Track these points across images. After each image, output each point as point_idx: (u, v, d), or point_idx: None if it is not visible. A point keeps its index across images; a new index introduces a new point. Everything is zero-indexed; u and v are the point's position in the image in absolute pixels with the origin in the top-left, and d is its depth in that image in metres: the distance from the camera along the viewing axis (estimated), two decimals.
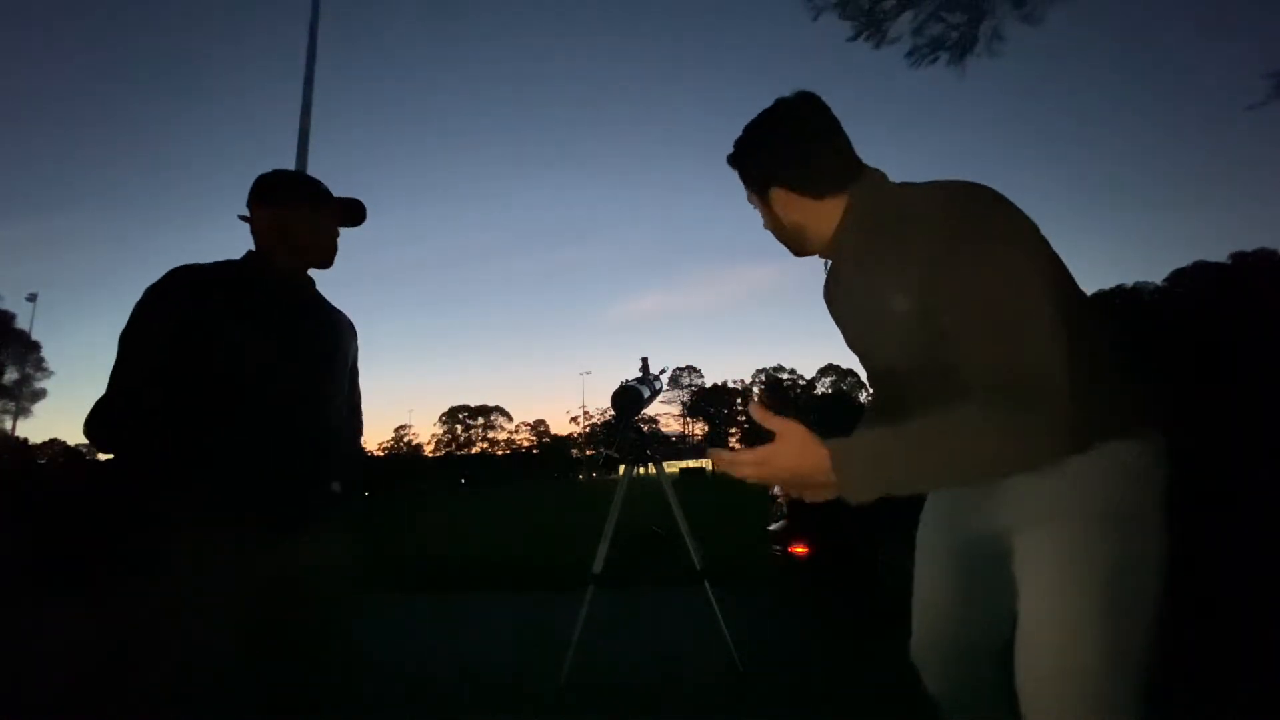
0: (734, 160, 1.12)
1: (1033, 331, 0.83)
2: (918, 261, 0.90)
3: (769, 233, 1.15)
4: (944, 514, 1.15)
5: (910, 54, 5.36)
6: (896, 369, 1.04)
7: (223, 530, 1.19)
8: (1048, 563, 0.91)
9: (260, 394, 1.26)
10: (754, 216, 1.18)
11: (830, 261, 1.14)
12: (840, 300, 1.14)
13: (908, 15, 5.26)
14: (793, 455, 0.83)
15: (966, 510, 1.09)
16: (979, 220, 0.88)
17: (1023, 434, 0.81)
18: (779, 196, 1.07)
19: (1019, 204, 0.93)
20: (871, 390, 1.27)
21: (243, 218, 1.42)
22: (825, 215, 1.05)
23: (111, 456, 1.24)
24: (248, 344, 1.26)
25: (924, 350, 0.94)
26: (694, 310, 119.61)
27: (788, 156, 1.05)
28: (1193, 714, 2.13)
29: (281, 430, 1.28)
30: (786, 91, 1.06)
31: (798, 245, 1.11)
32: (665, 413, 77.68)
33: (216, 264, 1.35)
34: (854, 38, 5.36)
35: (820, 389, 69.84)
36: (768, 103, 1.08)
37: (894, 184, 1.04)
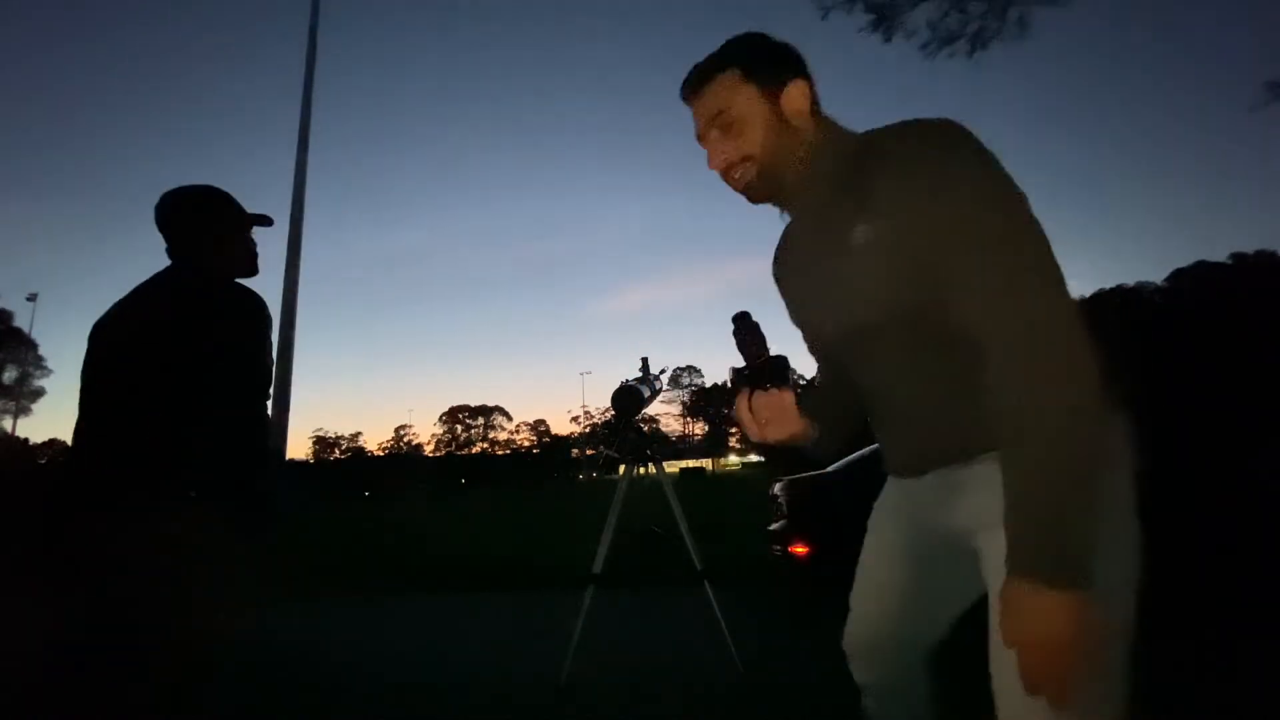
0: (742, 47, 0.98)
1: (1045, 263, 0.79)
2: (906, 198, 0.83)
3: (720, 172, 1.00)
4: (900, 505, 1.10)
5: (925, 45, 5.34)
6: (866, 328, 0.94)
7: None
8: None
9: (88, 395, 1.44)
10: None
11: (787, 225, 1.08)
12: (799, 261, 1.06)
13: (923, 7, 5.24)
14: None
15: (924, 503, 1.02)
16: (970, 154, 0.83)
17: (1068, 388, 0.74)
18: (797, 92, 0.96)
19: None
20: (818, 367, 1.19)
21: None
22: (808, 135, 0.96)
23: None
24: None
25: (906, 299, 0.87)
26: (693, 304, 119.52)
27: (797, 55, 0.99)
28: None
29: (91, 431, 1.41)
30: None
31: (777, 168, 0.96)
32: (665, 413, 77.70)
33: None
34: (866, 28, 5.34)
35: None
36: None
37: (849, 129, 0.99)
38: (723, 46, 0.99)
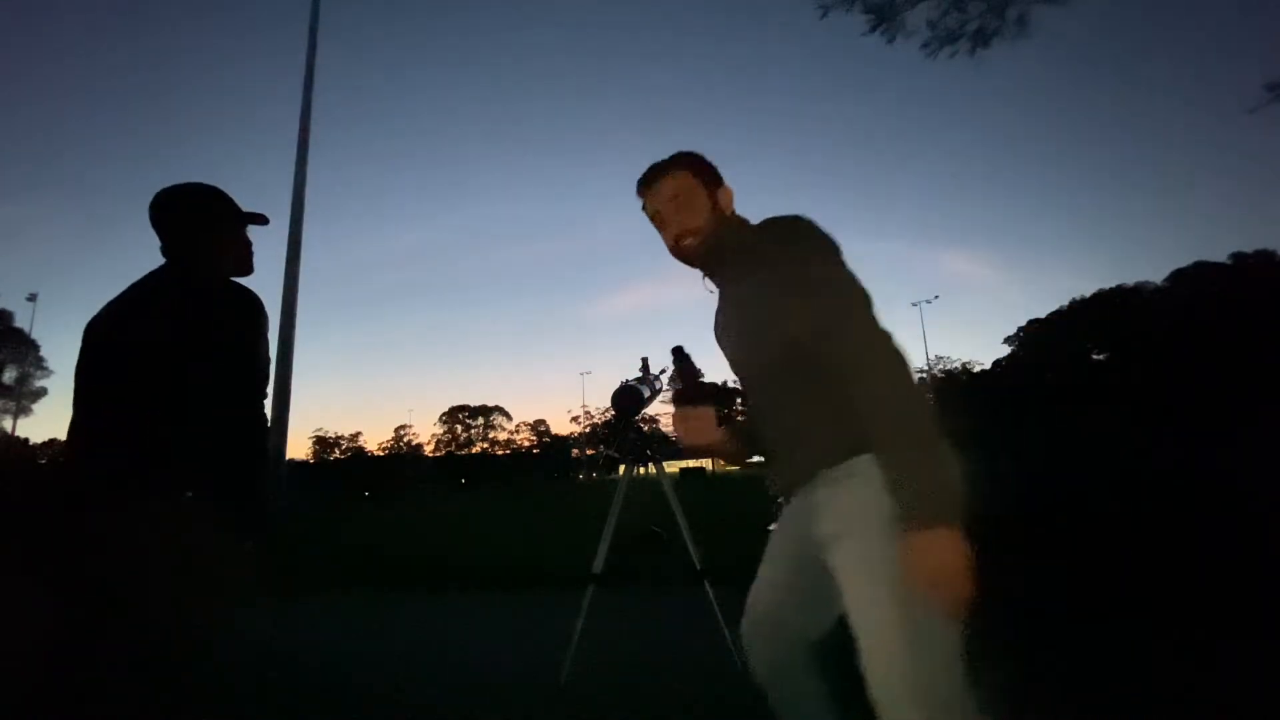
0: (691, 157, 1.34)
1: (875, 311, 1.08)
2: (792, 270, 1.12)
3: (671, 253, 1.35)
4: (788, 517, 1.30)
5: (926, 44, 5.34)
6: (757, 370, 1.25)
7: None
8: (859, 574, 1.06)
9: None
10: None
11: (718, 285, 1.35)
12: (725, 321, 1.34)
13: (922, 6, 5.24)
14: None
15: (799, 519, 1.22)
16: (820, 238, 1.15)
17: (901, 393, 1.01)
18: (726, 193, 1.33)
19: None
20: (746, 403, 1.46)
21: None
22: (732, 225, 1.30)
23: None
24: None
25: (777, 345, 1.16)
26: (694, 304, 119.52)
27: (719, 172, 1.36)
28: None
29: (86, 431, 1.41)
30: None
31: (712, 243, 1.29)
32: (665, 413, 77.68)
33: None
34: (871, 31, 5.34)
35: None
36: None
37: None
38: (675, 155, 1.35)
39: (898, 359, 1.02)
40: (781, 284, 1.13)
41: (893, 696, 1.00)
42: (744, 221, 1.31)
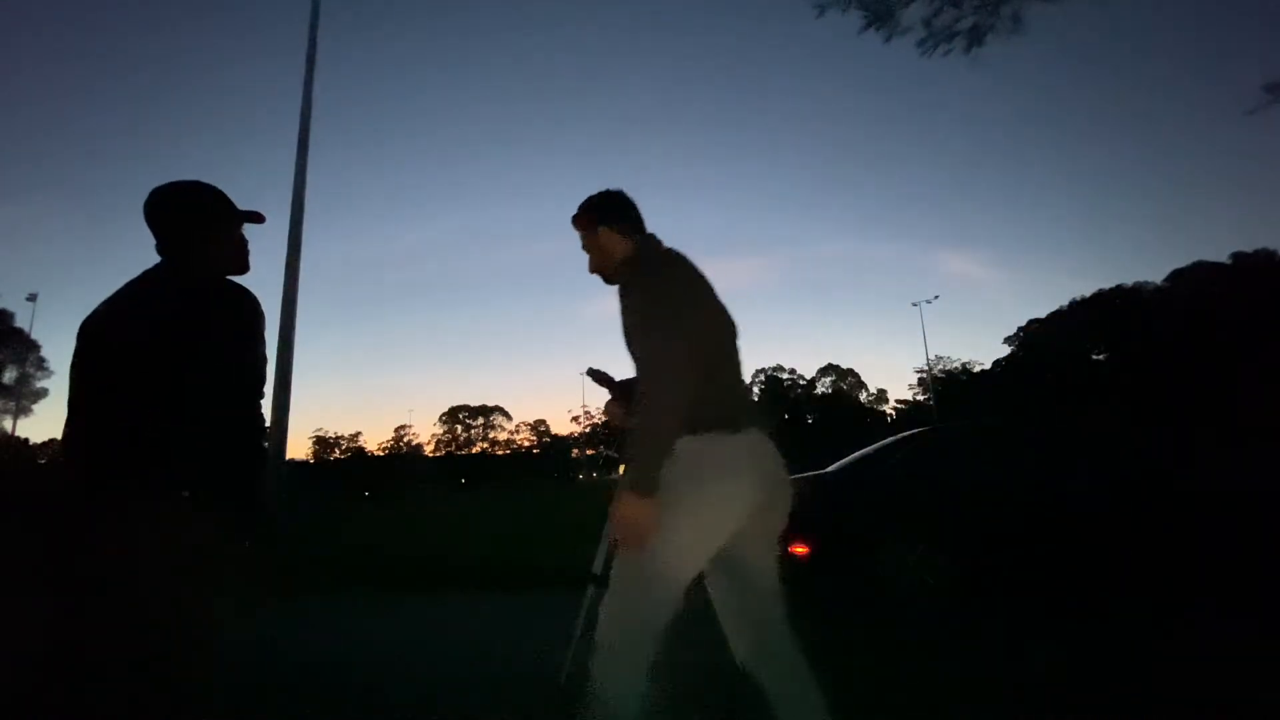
0: (577, 212, 1.75)
1: (667, 344, 1.43)
2: (631, 312, 1.55)
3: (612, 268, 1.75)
4: None
5: (921, 42, 5.31)
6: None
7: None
8: None
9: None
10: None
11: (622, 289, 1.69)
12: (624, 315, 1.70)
13: (916, 5, 5.20)
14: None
15: None
16: (658, 274, 1.57)
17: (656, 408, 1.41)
18: (605, 232, 1.71)
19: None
20: None
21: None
22: (620, 254, 1.69)
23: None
24: None
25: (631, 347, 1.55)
26: None
27: (617, 208, 1.74)
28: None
29: (82, 431, 1.40)
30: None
31: (610, 270, 1.72)
32: None
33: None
34: (865, 29, 5.31)
35: (820, 389, 69.91)
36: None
37: (656, 244, 1.69)
38: (583, 202, 1.76)
39: (661, 379, 1.41)
40: (629, 318, 1.55)
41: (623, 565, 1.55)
42: (630, 254, 1.68)
